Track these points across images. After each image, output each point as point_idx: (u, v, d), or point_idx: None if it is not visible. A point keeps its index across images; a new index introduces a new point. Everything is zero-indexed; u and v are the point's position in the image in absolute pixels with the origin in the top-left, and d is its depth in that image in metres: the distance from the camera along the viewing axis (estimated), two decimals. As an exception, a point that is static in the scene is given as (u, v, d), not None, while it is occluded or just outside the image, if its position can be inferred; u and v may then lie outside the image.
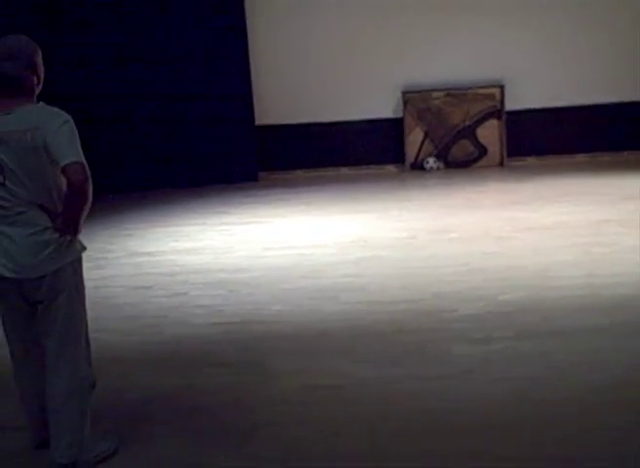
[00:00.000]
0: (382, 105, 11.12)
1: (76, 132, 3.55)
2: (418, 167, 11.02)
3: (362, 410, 4.28)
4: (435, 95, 10.91)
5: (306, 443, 4.01)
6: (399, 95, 10.99)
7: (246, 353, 5.25)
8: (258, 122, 11.14)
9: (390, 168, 11.19)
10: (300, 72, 11.06)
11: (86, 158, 3.55)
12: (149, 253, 7.67)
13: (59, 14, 10.50)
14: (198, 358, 5.20)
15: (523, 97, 10.78)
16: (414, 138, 11.01)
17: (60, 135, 3.50)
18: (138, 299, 6.48)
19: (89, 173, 3.50)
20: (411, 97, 10.92)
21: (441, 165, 10.97)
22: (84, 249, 3.82)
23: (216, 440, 4.11)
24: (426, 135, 10.99)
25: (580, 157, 10.86)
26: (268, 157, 11.25)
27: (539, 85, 10.78)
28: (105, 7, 10.59)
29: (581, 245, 6.98)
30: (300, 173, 11.33)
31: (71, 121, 3.56)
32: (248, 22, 10.80)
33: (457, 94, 10.87)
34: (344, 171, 11.29)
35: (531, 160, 10.96)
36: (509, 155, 10.89)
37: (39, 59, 3.67)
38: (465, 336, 5.16)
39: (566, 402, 4.23)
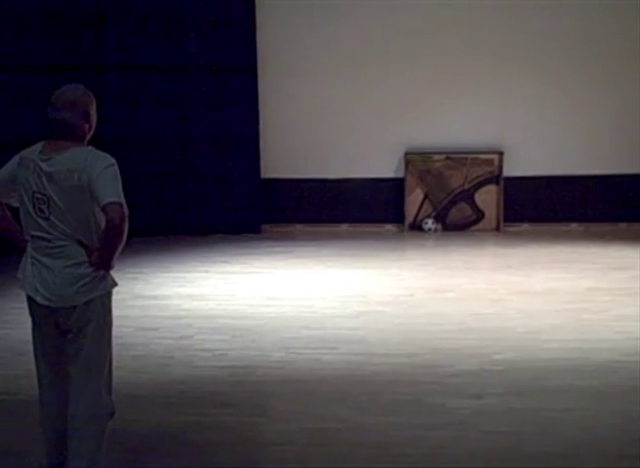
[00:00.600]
0: (385, 165, 11.45)
1: (119, 175, 3.91)
2: (416, 227, 11.33)
3: (361, 453, 4.56)
4: (436, 157, 11.28)
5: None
6: (401, 155, 11.35)
7: (250, 395, 5.53)
8: (263, 175, 11.46)
9: (389, 227, 11.50)
10: (307, 130, 11.41)
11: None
12: (155, 297, 7.96)
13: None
14: (204, 398, 5.48)
15: (521, 165, 11.13)
16: (414, 199, 11.34)
17: (104, 176, 3.84)
18: (145, 340, 6.75)
19: (127, 213, 3.83)
20: (412, 158, 11.29)
21: (439, 227, 11.29)
22: (115, 284, 4.13)
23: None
24: (426, 196, 11.33)
25: (574, 226, 11.21)
26: (271, 210, 11.56)
27: (536, 153, 11.15)
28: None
29: (571, 310, 7.29)
30: (300, 227, 11.62)
31: (116, 165, 3.92)
32: (259, 81, 11.17)
33: (457, 158, 11.24)
34: (344, 227, 11.58)
35: (526, 226, 11.29)
36: (505, 220, 11.23)
37: (93, 110, 4.04)
38: (460, 391, 5.45)
39: (550, 456, 4.52)
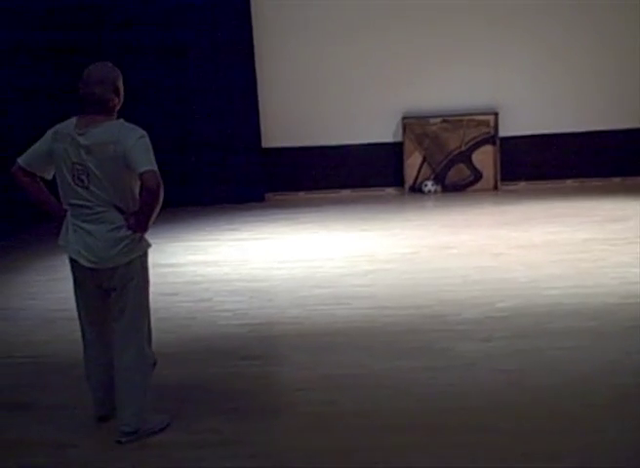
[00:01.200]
0: (383, 130, 11.77)
1: (150, 145, 4.26)
2: (416, 190, 11.67)
3: (380, 393, 4.96)
4: (433, 121, 11.59)
5: (331, 419, 4.68)
6: (399, 120, 11.66)
7: (272, 348, 5.93)
8: (264, 145, 11.77)
9: (390, 190, 11.84)
10: (306, 99, 11.70)
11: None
12: (171, 265, 8.29)
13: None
14: (230, 352, 5.85)
15: (516, 125, 11.45)
16: (412, 162, 11.67)
17: (138, 147, 4.21)
18: (166, 304, 7.10)
19: (161, 179, 4.17)
20: (409, 122, 11.60)
21: (438, 188, 11.63)
22: (150, 245, 4.51)
23: (252, 416, 4.79)
24: (424, 159, 11.65)
25: (570, 182, 11.55)
26: (274, 179, 11.88)
27: (531, 113, 11.48)
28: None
29: (569, 260, 7.66)
30: (302, 194, 11.94)
31: (147, 136, 4.28)
32: (256, 51, 11.45)
33: (453, 120, 11.55)
34: (346, 193, 11.91)
35: (523, 184, 11.64)
36: (503, 179, 11.57)
37: (121, 83, 4.40)
38: (468, 336, 5.84)
39: (553, 388, 4.94)
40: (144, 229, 4.36)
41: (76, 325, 6.46)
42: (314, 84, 11.66)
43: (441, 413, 4.67)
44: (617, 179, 11.52)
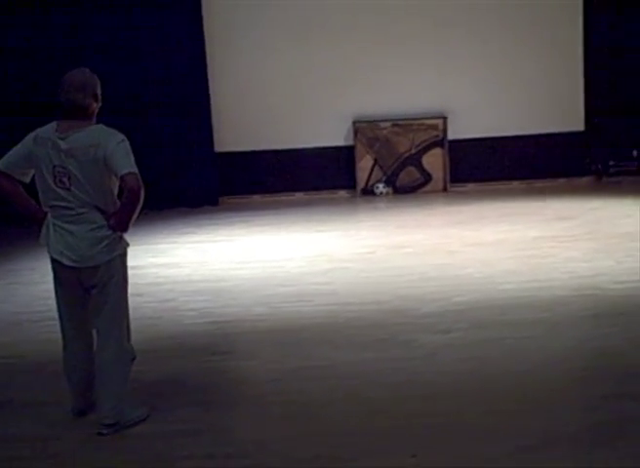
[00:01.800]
0: (335, 134, 12.02)
1: (130, 148, 4.44)
2: (368, 192, 11.94)
3: (348, 383, 5.19)
4: (383, 125, 11.87)
5: (301, 408, 4.89)
6: (350, 124, 11.92)
7: (240, 344, 6.12)
8: (217, 149, 11.93)
9: (342, 193, 12.08)
10: (258, 103, 11.89)
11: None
12: (132, 267, 8.23)
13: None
14: (199, 348, 6.02)
15: (464, 128, 11.79)
16: (364, 165, 11.93)
17: (118, 151, 4.39)
18: (132, 305, 7.09)
19: (141, 181, 4.35)
20: (361, 126, 11.87)
21: (390, 190, 11.91)
22: (128, 244, 4.68)
23: (226, 407, 5.00)
24: (376, 162, 11.92)
25: (517, 183, 11.92)
26: (227, 182, 12.04)
27: (478, 117, 11.83)
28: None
29: (521, 257, 7.97)
30: (256, 197, 12.14)
31: (126, 140, 4.47)
32: (208, 54, 11.62)
33: (403, 124, 11.85)
34: (299, 196, 12.12)
35: (471, 186, 11.96)
36: (452, 181, 11.89)
37: (99, 89, 4.58)
38: (429, 329, 6.09)
39: (512, 374, 5.23)
40: (125, 229, 4.54)
41: (43, 326, 6.68)
42: (266, 88, 11.87)
43: (408, 399, 4.90)
44: (562, 180, 11.91)
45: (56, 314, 4.90)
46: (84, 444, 4.62)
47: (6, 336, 6.69)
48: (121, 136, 4.48)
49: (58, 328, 4.94)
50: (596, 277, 7.13)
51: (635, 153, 11.85)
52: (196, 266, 8.50)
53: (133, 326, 6.56)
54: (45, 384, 5.46)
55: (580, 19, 11.61)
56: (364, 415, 4.74)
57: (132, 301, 7.20)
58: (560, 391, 5.00)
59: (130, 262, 4.93)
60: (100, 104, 4.59)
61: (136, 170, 4.39)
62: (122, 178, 4.37)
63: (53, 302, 5.04)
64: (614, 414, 4.57)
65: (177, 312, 6.95)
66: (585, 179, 11.94)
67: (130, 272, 4.81)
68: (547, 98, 11.75)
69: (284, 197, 12.08)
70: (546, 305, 6.45)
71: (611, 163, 11.91)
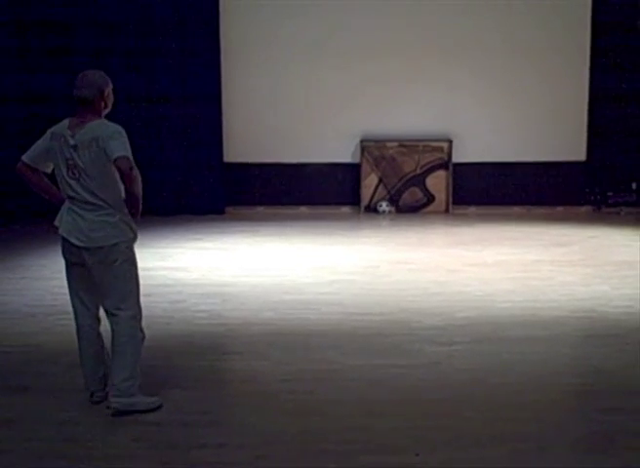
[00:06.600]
0: (342, 151, 12.30)
1: (126, 139, 4.82)
2: (371, 209, 12.21)
3: (356, 385, 5.45)
4: (390, 145, 12.16)
5: (312, 406, 5.14)
6: (357, 142, 12.20)
7: (250, 345, 6.36)
8: (226, 159, 12.20)
9: (346, 209, 12.35)
10: (269, 117, 12.18)
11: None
12: (141, 269, 8.62)
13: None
14: (211, 347, 6.28)
15: (468, 152, 12.08)
16: (369, 183, 12.20)
17: (113, 138, 4.80)
18: (142, 304, 7.46)
19: (133, 163, 4.75)
20: (368, 145, 12.15)
21: (393, 209, 12.18)
22: (136, 236, 5.09)
23: (240, 401, 5.27)
24: (380, 180, 12.20)
25: (517, 209, 12.20)
26: (234, 193, 12.31)
27: (482, 142, 12.12)
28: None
29: (521, 278, 8.24)
30: (261, 209, 12.40)
31: (123, 132, 4.86)
32: (222, 67, 11.92)
33: (409, 145, 12.14)
34: (303, 209, 12.38)
35: (473, 209, 12.24)
36: (454, 203, 12.17)
37: (108, 90, 4.98)
38: (432, 340, 6.36)
39: (511, 385, 5.51)
40: (137, 211, 4.92)
41: (57, 319, 6.94)
42: (278, 103, 12.16)
43: (413, 402, 5.19)
44: (560, 208, 12.20)
45: (68, 308, 5.27)
46: (103, 428, 4.87)
47: (22, 327, 6.93)
48: (120, 128, 4.86)
49: (72, 321, 5.25)
50: (592, 300, 7.42)
51: (634, 186, 12.15)
52: (204, 271, 8.74)
53: (146, 322, 6.84)
54: (61, 372, 5.74)
55: (583, 55, 11.93)
56: (370, 415, 5.00)
57: (142, 301, 7.52)
58: (556, 403, 5.29)
59: (138, 264, 5.20)
60: (109, 105, 4.98)
61: (127, 153, 4.75)
62: (115, 163, 4.74)
63: (65, 297, 5.40)
64: (605, 425, 4.86)
65: (187, 313, 7.19)
66: (584, 209, 12.23)
67: (140, 273, 5.09)
68: (548, 128, 12.08)
69: (289, 210, 12.33)
70: (544, 324, 6.73)
71: (609, 194, 12.21)
